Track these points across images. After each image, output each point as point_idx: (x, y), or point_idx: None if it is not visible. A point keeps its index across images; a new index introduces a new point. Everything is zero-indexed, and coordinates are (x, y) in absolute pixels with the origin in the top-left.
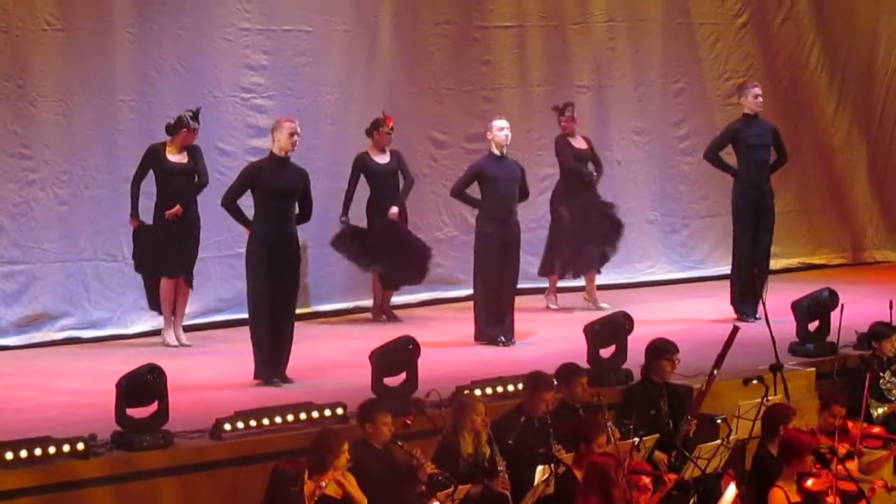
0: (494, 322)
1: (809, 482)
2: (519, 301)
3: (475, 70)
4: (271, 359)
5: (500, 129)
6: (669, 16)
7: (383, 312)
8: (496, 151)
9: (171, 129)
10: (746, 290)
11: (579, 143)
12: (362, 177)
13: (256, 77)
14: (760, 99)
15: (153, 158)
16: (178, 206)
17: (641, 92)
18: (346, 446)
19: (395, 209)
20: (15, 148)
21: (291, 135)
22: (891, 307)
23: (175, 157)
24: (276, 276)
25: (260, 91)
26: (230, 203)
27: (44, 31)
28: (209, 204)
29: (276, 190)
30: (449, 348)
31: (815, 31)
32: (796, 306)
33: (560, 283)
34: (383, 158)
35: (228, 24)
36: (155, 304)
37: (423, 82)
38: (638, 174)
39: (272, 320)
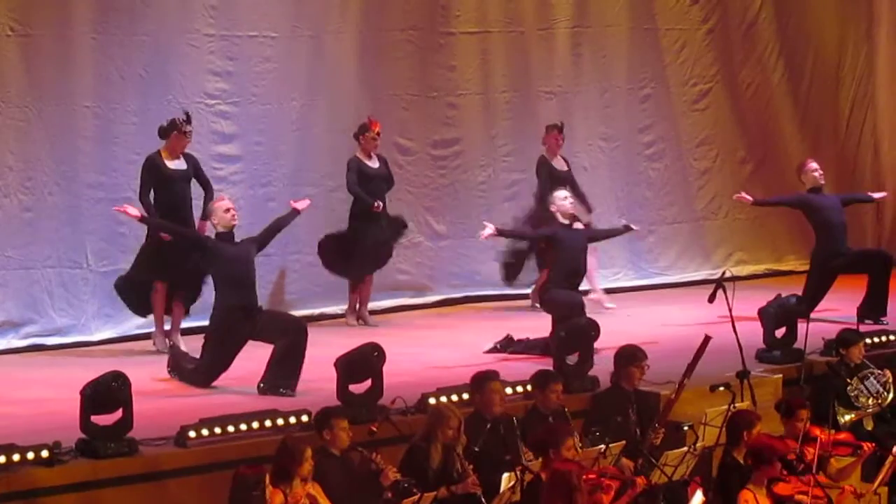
0: None
1: (779, 487)
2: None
3: (440, 76)
4: None
5: (564, 197)
6: (635, 22)
7: (360, 317)
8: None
9: (164, 133)
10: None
11: (560, 163)
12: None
13: (221, 83)
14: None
15: (153, 167)
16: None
17: (607, 98)
18: (308, 454)
19: (380, 203)
20: None
21: None
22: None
23: (173, 163)
24: None
25: (224, 97)
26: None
27: (7, 37)
28: None
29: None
30: (415, 355)
31: (781, 38)
32: (763, 313)
33: None
34: (374, 163)
35: (193, 29)
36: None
37: (388, 88)
38: (604, 180)
39: None
